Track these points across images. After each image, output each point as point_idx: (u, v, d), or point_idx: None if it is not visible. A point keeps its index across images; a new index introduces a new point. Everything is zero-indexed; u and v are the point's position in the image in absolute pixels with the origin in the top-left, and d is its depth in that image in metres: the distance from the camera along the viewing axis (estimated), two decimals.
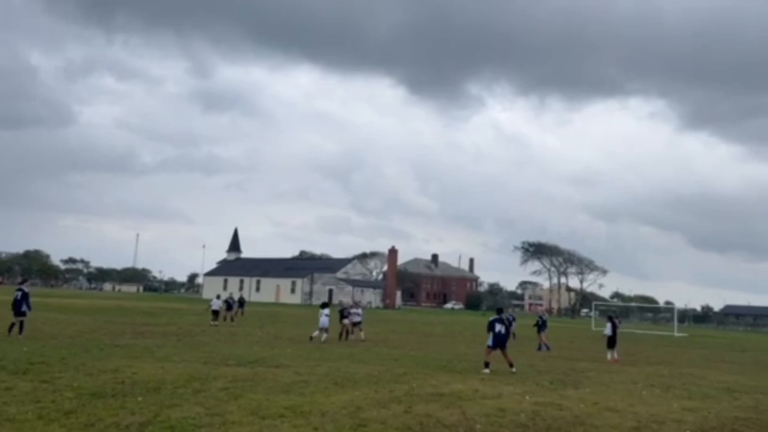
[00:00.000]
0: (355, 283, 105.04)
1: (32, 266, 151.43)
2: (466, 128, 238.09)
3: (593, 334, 44.66)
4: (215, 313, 30.14)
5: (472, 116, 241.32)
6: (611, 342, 21.44)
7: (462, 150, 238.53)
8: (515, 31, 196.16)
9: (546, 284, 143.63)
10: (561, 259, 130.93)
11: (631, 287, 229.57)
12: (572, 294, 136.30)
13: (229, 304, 33.42)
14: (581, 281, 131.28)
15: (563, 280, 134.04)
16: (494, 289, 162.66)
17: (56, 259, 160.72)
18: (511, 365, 15.46)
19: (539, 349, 23.70)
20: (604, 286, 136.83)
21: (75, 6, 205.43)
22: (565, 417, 9.64)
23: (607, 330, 21.58)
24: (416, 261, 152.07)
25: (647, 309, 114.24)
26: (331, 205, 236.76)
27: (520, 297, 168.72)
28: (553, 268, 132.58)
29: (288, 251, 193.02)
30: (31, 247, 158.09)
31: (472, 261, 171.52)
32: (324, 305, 23.66)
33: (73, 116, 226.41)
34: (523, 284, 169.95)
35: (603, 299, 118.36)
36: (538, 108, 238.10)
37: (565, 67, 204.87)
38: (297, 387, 11.09)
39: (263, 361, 14.99)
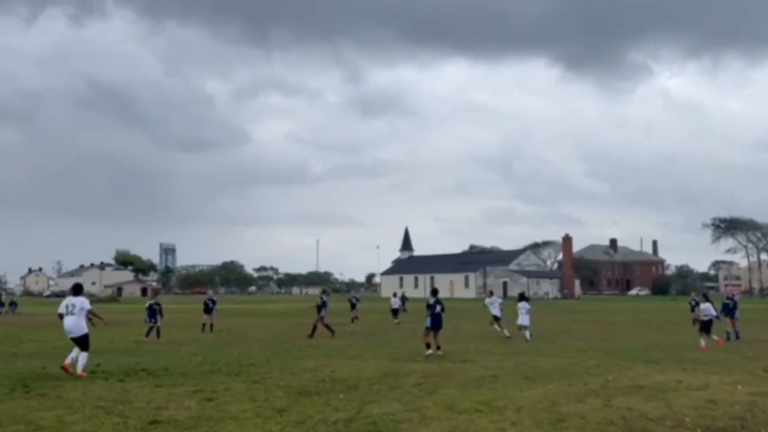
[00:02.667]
0: (529, 275, 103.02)
1: (230, 276, 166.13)
2: (632, 100, 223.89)
3: None
4: (395, 311, 31.04)
5: (638, 87, 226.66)
6: (707, 325, 17.72)
7: (630, 124, 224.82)
8: None
9: (743, 263, 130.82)
10: (759, 234, 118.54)
11: None
12: None
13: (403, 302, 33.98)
14: None
15: (764, 256, 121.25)
16: (683, 272, 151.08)
17: (249, 268, 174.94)
18: (438, 348, 15.29)
19: (728, 338, 19.61)
20: None
21: (236, 30, 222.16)
22: None
23: (710, 310, 17.86)
24: (593, 247, 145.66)
25: None
26: (495, 196, 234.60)
27: (713, 278, 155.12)
28: (750, 245, 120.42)
29: (457, 246, 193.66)
30: (227, 258, 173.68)
31: (655, 243, 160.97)
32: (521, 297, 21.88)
33: (247, 135, 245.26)
34: (716, 264, 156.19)
35: None
36: (712, 70, 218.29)
37: (742, 20, 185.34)
38: (487, 381, 11.10)
39: (449, 356, 15.19)
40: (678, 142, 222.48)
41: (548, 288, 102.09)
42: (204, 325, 24.69)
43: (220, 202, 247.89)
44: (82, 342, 11.78)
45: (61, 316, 12.05)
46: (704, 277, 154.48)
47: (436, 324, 15.49)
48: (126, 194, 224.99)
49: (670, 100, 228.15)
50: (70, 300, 11.98)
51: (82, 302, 11.95)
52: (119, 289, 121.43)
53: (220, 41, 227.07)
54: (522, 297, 21.11)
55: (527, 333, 20.02)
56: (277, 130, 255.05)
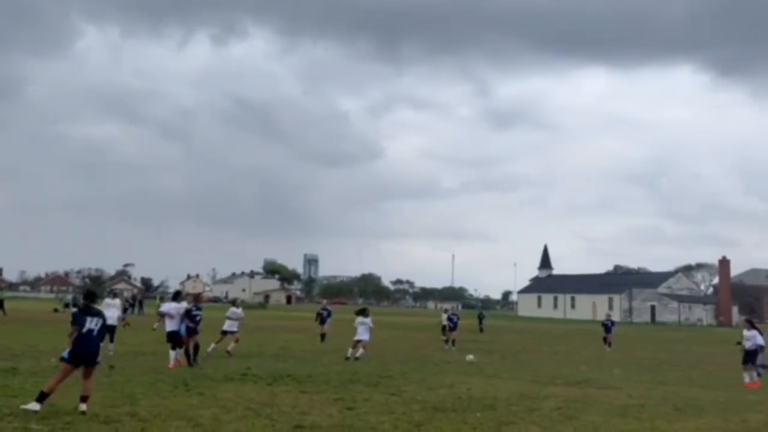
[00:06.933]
0: (680, 299, 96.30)
1: (368, 288, 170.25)
2: None
3: None
4: (444, 328, 28.99)
5: None
6: (751, 356, 15.12)
7: None
8: None
9: None
10: None
11: None
12: None
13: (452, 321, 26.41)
14: None
15: None
16: None
17: (386, 281, 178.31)
18: (83, 399, 8.56)
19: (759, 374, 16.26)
20: None
21: (367, 46, 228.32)
22: None
23: (756, 339, 15.32)
24: (754, 271, 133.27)
25: None
26: (641, 214, 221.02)
27: None
28: None
29: (599, 266, 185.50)
30: (366, 270, 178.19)
31: None
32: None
33: (381, 150, 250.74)
34: None
35: None
36: None
37: None
38: (633, 411, 10.56)
39: (591, 381, 14.60)
40: None
41: (702, 314, 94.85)
42: (323, 335, 24.54)
43: (359, 215, 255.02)
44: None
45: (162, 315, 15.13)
46: None
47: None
48: (272, 207, 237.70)
49: None
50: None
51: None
52: (267, 297, 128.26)
53: (352, 58, 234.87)
54: (361, 312, 18.67)
55: (360, 350, 17.74)
56: (410, 145, 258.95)
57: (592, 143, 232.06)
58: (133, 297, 48.18)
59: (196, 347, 14.57)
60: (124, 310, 28.66)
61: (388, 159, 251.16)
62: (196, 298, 15.29)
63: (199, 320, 14.69)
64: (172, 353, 14.08)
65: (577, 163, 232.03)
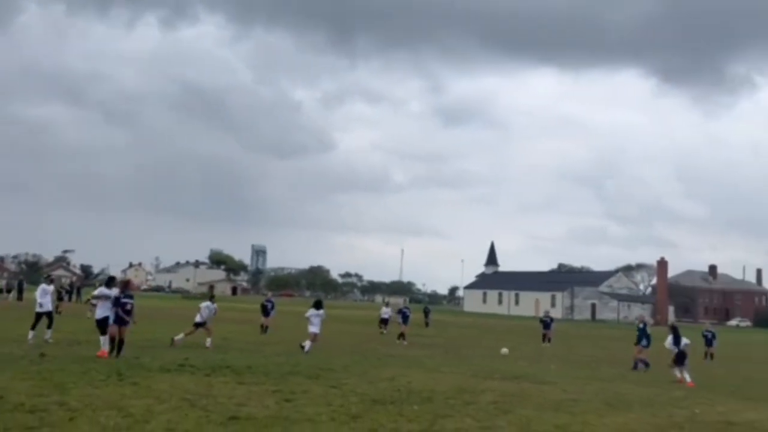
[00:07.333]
0: (620, 298, 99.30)
1: (316, 281, 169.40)
2: (735, 116, 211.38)
3: None
4: (384, 321, 29.42)
5: (739, 102, 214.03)
6: (680, 358, 16.16)
7: (731, 142, 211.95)
8: None
9: None
10: None
11: None
12: None
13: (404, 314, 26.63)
14: None
15: None
16: None
17: (335, 273, 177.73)
18: None
19: (635, 367, 18.65)
20: None
21: (320, 37, 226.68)
22: None
23: (668, 344, 16.44)
24: (690, 273, 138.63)
25: None
26: (585, 214, 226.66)
27: None
28: None
29: (544, 264, 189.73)
30: (313, 263, 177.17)
31: (759, 272, 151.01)
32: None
33: (333, 143, 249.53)
34: None
35: None
36: None
37: None
38: (566, 405, 10.83)
39: (528, 376, 14.91)
40: None
41: (639, 313, 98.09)
42: (263, 326, 24.65)
43: (308, 206, 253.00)
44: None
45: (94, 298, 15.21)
46: None
47: None
48: (220, 195, 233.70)
49: None
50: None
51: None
52: (211, 287, 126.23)
53: (305, 48, 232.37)
54: (316, 304, 18.50)
55: (308, 342, 17.74)
56: (362, 138, 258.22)
57: (541, 143, 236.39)
58: (71, 284, 46.76)
59: (122, 341, 13.91)
60: (59, 297, 27.84)
61: (340, 151, 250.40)
62: (125, 286, 14.72)
63: (130, 309, 14.12)
64: (102, 339, 13.74)
65: (525, 163, 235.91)
